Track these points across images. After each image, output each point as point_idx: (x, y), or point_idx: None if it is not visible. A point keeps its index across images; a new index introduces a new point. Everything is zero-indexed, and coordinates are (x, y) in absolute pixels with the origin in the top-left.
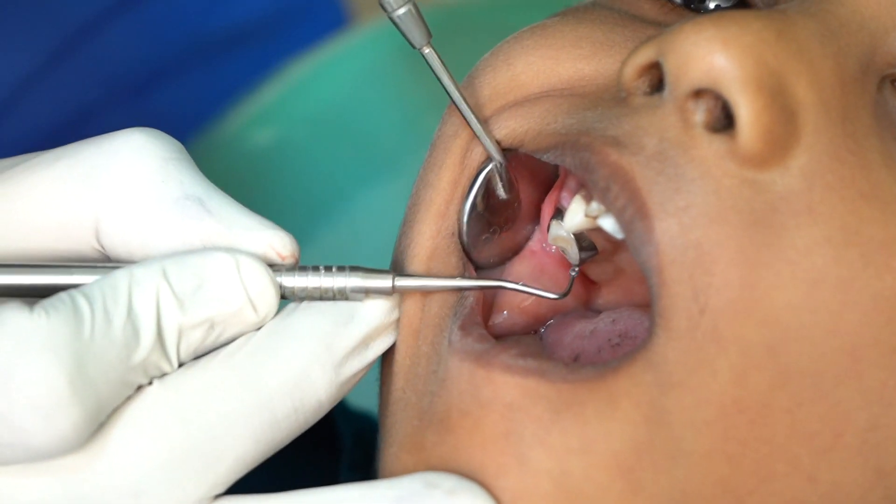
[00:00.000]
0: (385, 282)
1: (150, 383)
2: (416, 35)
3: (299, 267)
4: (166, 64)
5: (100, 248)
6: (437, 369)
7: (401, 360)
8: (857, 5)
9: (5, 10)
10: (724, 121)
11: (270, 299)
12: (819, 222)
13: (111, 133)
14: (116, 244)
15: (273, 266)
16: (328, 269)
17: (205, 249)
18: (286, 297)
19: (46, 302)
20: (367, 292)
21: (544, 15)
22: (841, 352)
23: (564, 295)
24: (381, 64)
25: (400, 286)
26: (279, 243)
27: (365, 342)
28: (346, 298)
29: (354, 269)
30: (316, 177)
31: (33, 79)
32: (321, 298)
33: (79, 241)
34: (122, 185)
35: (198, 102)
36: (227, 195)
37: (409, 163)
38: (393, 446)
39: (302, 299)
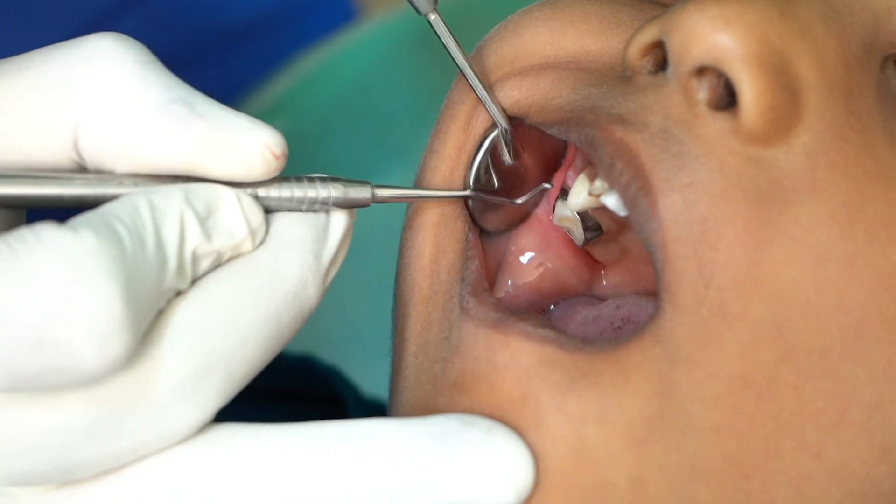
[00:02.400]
0: (365, 192)
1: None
2: (423, 1)
3: (283, 178)
4: (177, 57)
5: (78, 159)
6: (448, 336)
7: (412, 327)
8: None
9: (18, 5)
10: (728, 99)
11: (263, 231)
12: (823, 199)
13: (77, 38)
14: (99, 154)
15: (260, 182)
16: (310, 179)
17: (208, 183)
18: (272, 209)
19: (85, 222)
20: (348, 204)
21: None
22: (846, 328)
23: (525, 199)
24: (391, 56)
25: (379, 196)
26: (273, 142)
27: (339, 248)
28: (327, 210)
29: (334, 179)
30: (327, 169)
31: None
32: (305, 210)
33: (55, 152)
34: (101, 91)
35: (209, 95)
36: (210, 98)
37: (420, 153)
38: (405, 407)
39: (288, 210)
